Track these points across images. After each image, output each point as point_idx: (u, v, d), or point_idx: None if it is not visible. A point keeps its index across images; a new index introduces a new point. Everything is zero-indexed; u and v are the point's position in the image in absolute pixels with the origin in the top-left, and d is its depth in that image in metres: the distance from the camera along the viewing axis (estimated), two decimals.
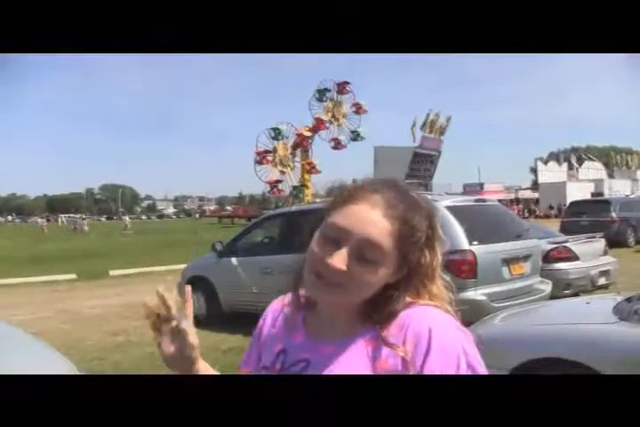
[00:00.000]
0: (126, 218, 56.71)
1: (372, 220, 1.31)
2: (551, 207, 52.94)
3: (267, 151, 39.77)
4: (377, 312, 1.39)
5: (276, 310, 1.61)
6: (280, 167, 40.18)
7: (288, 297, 1.56)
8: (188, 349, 1.41)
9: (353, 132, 42.00)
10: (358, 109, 43.29)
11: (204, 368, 1.48)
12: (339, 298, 1.36)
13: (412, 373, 1.30)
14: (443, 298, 1.42)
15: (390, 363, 1.34)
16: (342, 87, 43.06)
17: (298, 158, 41.48)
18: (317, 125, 41.25)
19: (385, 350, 1.35)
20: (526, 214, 52.11)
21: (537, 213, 54.93)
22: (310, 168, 40.57)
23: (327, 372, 1.38)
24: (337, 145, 42.13)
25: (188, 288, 1.47)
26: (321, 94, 41.93)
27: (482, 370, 1.34)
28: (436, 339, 1.31)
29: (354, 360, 1.37)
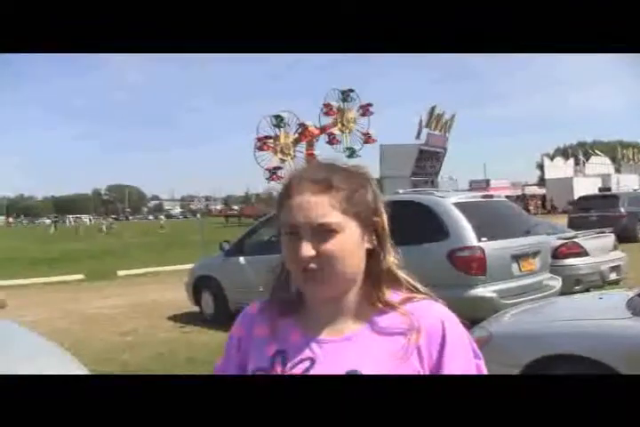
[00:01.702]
0: (162, 217, 56.19)
1: (309, 203, 1.38)
2: (571, 203, 52.68)
3: (267, 137, 39.53)
4: (377, 288, 1.45)
5: (252, 315, 1.57)
6: (280, 155, 40.01)
7: (262, 302, 1.57)
8: None
9: (348, 148, 41.66)
10: (365, 111, 43.05)
11: None
12: (333, 282, 1.40)
13: (426, 363, 1.38)
14: (415, 284, 1.49)
15: (403, 354, 1.38)
16: (346, 95, 42.93)
17: (302, 149, 41.23)
18: (327, 112, 40.98)
19: (395, 341, 1.40)
20: (543, 210, 51.77)
21: (556, 208, 54.58)
22: (312, 160, 40.25)
23: (334, 368, 1.38)
24: (332, 140, 41.97)
25: None
26: (345, 95, 41.98)
27: (481, 358, 1.46)
28: (449, 331, 1.40)
29: (362, 354, 1.39)
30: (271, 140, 39.38)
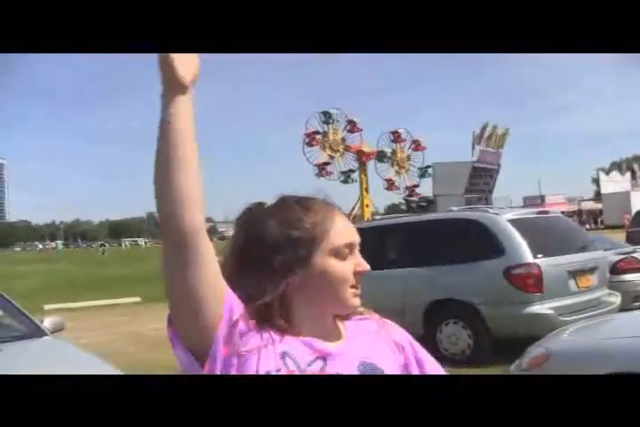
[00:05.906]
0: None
1: (350, 225, 1.50)
2: (601, 221, 51.61)
3: (315, 132, 39.90)
4: None
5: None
6: (329, 152, 40.41)
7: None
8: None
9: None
10: (417, 147, 43.72)
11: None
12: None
13: (408, 352, 1.53)
14: None
15: (398, 345, 1.53)
16: (397, 136, 43.75)
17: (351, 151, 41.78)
18: (379, 159, 42.06)
19: (379, 337, 1.52)
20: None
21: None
22: (361, 155, 40.83)
23: (348, 362, 1.43)
24: (390, 186, 43.05)
25: None
26: (395, 136, 43.03)
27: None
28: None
29: (365, 348, 1.47)
30: (320, 136, 39.78)
